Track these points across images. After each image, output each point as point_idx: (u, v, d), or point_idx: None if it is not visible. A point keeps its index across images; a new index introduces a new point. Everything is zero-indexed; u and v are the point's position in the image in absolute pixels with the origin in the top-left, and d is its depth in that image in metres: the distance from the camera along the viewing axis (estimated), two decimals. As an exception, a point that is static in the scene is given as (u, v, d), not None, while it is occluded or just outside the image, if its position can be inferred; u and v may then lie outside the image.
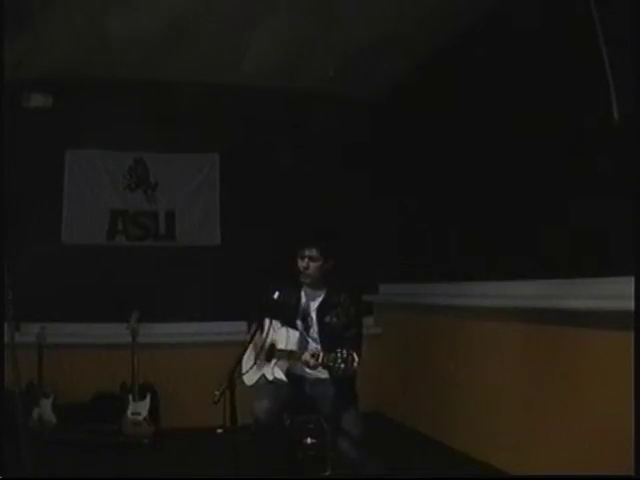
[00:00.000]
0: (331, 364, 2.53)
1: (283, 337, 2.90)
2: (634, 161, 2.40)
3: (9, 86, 3.35)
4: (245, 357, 2.68)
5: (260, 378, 2.92)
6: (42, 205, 4.62)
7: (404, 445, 4.11)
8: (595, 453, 2.65)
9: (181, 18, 3.79)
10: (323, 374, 2.84)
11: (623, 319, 2.31)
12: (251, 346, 2.74)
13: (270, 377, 2.86)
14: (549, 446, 3.03)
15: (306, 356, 2.67)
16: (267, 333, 2.79)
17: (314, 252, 2.94)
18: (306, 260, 2.94)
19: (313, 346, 2.90)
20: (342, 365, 2.50)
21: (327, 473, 2.79)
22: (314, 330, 2.96)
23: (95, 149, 4.80)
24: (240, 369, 2.69)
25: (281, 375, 2.84)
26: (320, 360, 2.60)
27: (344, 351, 2.51)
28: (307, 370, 2.83)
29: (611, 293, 2.53)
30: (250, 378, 2.94)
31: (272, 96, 5.00)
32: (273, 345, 2.92)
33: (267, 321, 2.90)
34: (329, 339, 2.84)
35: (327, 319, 2.93)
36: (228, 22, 3.88)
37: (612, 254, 2.63)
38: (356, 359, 2.50)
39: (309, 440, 2.89)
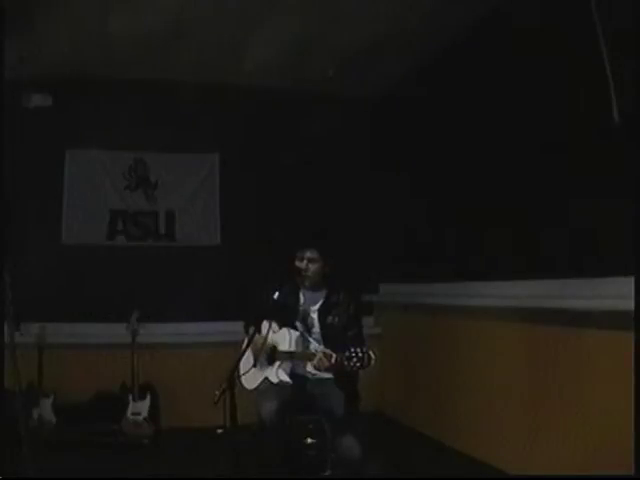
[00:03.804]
0: (346, 363, 2.53)
1: (285, 338, 2.90)
2: (634, 161, 2.39)
3: (9, 86, 3.34)
4: (243, 359, 2.67)
5: (263, 381, 2.91)
6: (42, 205, 4.62)
7: (404, 445, 4.11)
8: (595, 453, 2.66)
9: (181, 18, 3.79)
10: (326, 374, 2.84)
11: (623, 319, 2.31)
12: (249, 348, 2.73)
13: (275, 380, 2.85)
14: (549, 445, 3.03)
15: (319, 357, 2.65)
16: (266, 335, 2.78)
17: (314, 253, 2.94)
18: (305, 261, 2.93)
19: (314, 346, 2.90)
20: (358, 364, 2.50)
21: (327, 473, 2.79)
22: (316, 331, 2.96)
23: (95, 149, 4.80)
24: (239, 371, 2.69)
25: (286, 377, 2.83)
26: (334, 360, 2.59)
27: (358, 349, 2.52)
28: (310, 371, 2.83)
29: (611, 293, 2.53)
30: (251, 381, 2.93)
31: (272, 96, 5.00)
32: (274, 347, 2.91)
33: (266, 323, 2.88)
34: (332, 339, 2.84)
35: (329, 319, 2.93)
36: (228, 22, 3.88)
37: (612, 254, 2.63)
38: (372, 357, 2.51)
39: (309, 440, 2.89)
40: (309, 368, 2.83)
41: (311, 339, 2.94)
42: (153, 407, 4.18)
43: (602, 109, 2.62)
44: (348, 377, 2.81)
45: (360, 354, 2.51)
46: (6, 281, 2.76)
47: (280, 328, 2.93)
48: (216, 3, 3.65)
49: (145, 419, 4.09)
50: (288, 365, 2.86)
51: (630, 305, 2.04)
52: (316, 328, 2.96)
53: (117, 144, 4.81)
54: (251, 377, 2.90)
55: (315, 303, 3.00)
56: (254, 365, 2.86)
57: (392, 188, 5.04)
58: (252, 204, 4.96)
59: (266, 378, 2.89)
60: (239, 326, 3.17)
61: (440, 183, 4.26)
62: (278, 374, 2.84)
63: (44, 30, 3.83)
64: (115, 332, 4.31)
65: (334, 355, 2.60)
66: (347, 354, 2.53)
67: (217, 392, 2.27)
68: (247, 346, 2.66)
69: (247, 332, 2.99)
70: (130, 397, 4.11)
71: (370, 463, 2.72)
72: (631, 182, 2.38)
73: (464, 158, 3.91)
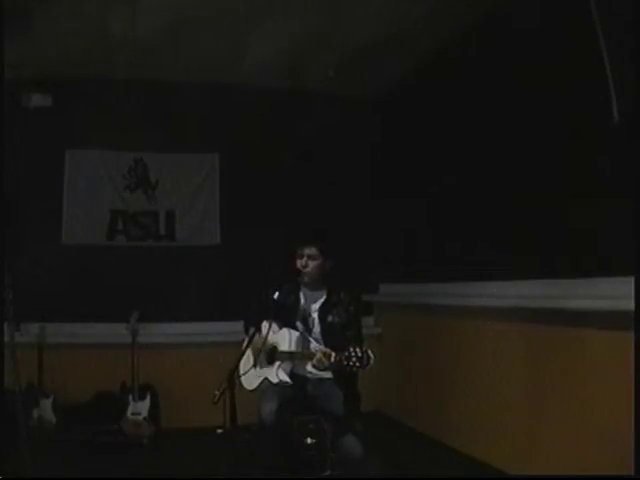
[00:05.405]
0: (345, 362, 2.52)
1: (285, 339, 2.89)
2: (634, 161, 2.40)
3: (9, 86, 3.35)
4: (243, 359, 2.67)
5: (263, 381, 2.91)
6: (42, 205, 4.61)
7: (404, 445, 4.11)
8: (595, 453, 2.65)
9: (181, 18, 3.79)
10: (326, 374, 2.83)
11: (623, 319, 2.31)
12: (250, 348, 2.73)
13: (275, 380, 2.84)
14: (549, 445, 3.03)
15: (318, 356, 2.64)
16: (267, 335, 2.78)
17: (313, 250, 2.93)
18: (305, 259, 2.93)
19: (314, 346, 2.90)
20: (357, 363, 2.49)
21: (327, 473, 2.79)
22: (316, 330, 2.95)
23: (95, 149, 4.80)
24: (239, 371, 2.69)
25: (286, 377, 2.83)
26: (333, 359, 2.59)
27: (357, 349, 2.51)
28: (311, 370, 2.83)
29: (611, 293, 2.52)
30: (251, 382, 2.93)
31: (272, 96, 5.00)
32: (274, 347, 2.91)
33: (266, 323, 2.88)
34: (332, 339, 2.84)
35: (329, 319, 2.93)
36: (228, 22, 3.88)
37: (612, 254, 2.63)
38: (372, 356, 2.50)
39: (309, 440, 2.89)
40: (309, 368, 2.83)
41: (311, 339, 2.94)
42: (153, 407, 4.18)
43: (602, 109, 2.62)
44: (348, 377, 2.81)
45: (359, 354, 2.50)
46: (6, 281, 2.76)
47: (280, 328, 2.93)
48: (216, 3, 3.65)
49: (145, 419, 4.09)
50: (288, 365, 2.86)
51: (630, 305, 2.04)
52: (316, 328, 2.96)
53: (117, 144, 4.80)
54: (251, 377, 2.91)
55: (315, 303, 3.00)
56: (254, 365, 2.86)
57: (392, 188, 5.04)
58: (252, 204, 4.96)
59: (266, 378, 2.89)
60: (239, 326, 3.17)
61: (440, 183, 4.25)
62: (278, 374, 2.84)
63: (44, 30, 3.83)
64: (115, 332, 4.31)
65: (333, 354, 2.60)
66: (346, 354, 2.52)
67: (217, 392, 2.27)
68: (247, 346, 2.66)
69: (247, 332, 2.99)
70: (130, 397, 4.11)
71: (370, 463, 2.73)
72: (631, 182, 2.38)
73: (464, 157, 3.91)
